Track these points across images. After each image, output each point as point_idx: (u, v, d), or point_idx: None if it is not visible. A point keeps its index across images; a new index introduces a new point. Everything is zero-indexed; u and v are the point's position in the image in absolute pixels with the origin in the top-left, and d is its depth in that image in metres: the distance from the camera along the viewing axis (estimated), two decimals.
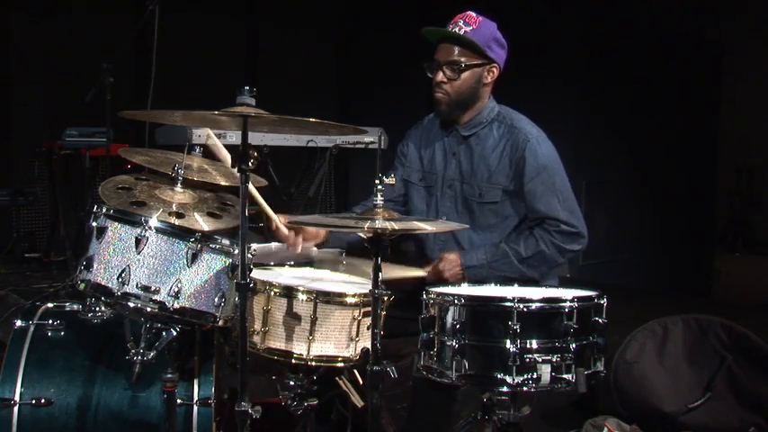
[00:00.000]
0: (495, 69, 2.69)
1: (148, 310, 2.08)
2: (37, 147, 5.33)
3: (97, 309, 2.44)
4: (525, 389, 1.96)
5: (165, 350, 2.17)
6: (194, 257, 2.10)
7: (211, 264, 2.14)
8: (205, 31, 6.87)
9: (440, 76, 2.65)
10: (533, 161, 2.62)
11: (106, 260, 2.11)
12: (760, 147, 9.78)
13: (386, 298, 2.18)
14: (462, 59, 2.63)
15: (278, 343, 2.22)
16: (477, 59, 2.64)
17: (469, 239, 2.70)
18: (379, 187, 2.12)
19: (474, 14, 2.64)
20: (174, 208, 2.26)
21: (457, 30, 2.61)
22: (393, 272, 2.48)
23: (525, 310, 1.97)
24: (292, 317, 2.20)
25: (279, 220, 2.63)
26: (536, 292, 2.24)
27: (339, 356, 2.24)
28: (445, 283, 2.59)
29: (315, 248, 2.73)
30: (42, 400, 2.28)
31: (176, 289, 2.08)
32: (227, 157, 2.47)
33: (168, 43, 4.81)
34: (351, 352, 2.25)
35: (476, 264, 2.63)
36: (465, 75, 2.64)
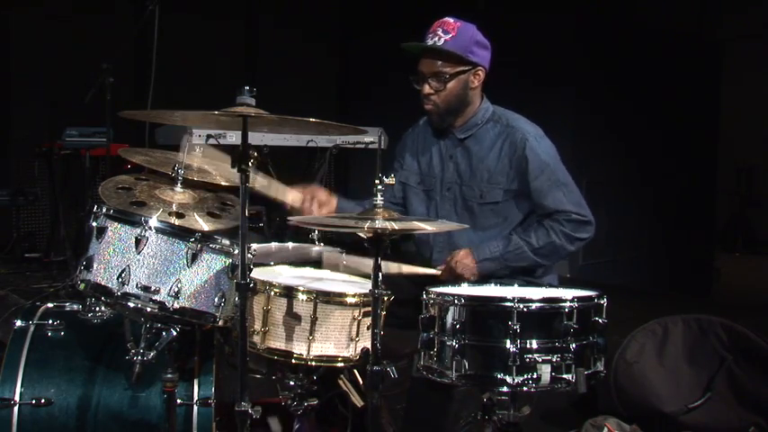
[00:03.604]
0: (480, 72, 2.69)
1: (148, 310, 2.08)
2: (37, 147, 5.32)
3: (97, 309, 2.45)
4: (525, 389, 1.96)
5: (165, 350, 2.17)
6: (194, 257, 2.10)
7: (211, 264, 2.14)
8: (205, 31, 6.86)
9: (426, 89, 2.67)
10: (535, 159, 2.63)
11: (106, 260, 2.11)
12: (760, 147, 9.79)
13: (386, 298, 2.18)
14: (446, 70, 2.63)
15: (278, 343, 2.21)
16: (461, 66, 2.64)
17: (469, 240, 2.70)
18: (379, 187, 2.12)
19: (452, 20, 2.63)
20: (174, 208, 2.27)
21: (436, 40, 2.61)
22: (407, 268, 2.50)
23: (525, 310, 1.97)
24: (292, 317, 2.20)
25: (292, 199, 2.71)
26: (536, 292, 2.24)
27: (339, 356, 2.24)
28: (460, 279, 2.59)
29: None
30: (42, 400, 2.28)
31: (176, 289, 2.08)
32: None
33: (168, 43, 4.82)
34: (351, 352, 2.25)
35: (489, 256, 2.63)
36: (451, 84, 2.65)
